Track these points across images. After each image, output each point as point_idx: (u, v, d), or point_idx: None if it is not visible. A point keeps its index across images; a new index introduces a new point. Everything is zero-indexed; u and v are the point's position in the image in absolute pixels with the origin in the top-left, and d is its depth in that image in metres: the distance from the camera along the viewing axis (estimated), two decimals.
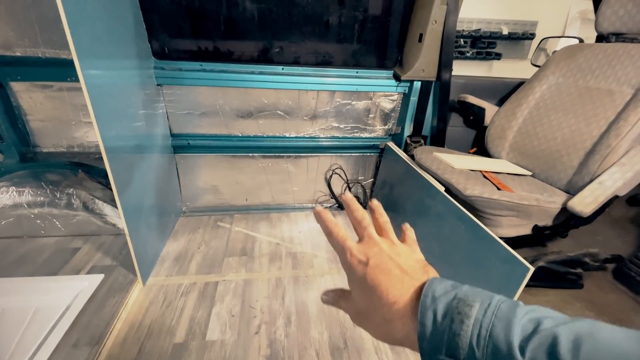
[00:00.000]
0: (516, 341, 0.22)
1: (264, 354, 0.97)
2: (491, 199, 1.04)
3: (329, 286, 1.25)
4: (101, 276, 1.17)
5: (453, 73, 1.46)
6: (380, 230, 0.38)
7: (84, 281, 1.15)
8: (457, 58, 3.33)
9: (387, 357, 0.98)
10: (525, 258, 1.19)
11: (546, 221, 1.13)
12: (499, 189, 1.09)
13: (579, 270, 1.17)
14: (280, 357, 0.97)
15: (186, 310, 1.11)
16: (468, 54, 3.33)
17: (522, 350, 0.22)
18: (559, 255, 1.16)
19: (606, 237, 1.53)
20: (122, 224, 1.07)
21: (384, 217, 0.39)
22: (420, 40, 1.37)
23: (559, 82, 1.36)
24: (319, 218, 0.37)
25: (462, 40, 3.26)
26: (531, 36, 3.32)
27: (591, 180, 1.09)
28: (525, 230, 1.14)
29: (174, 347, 0.98)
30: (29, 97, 1.39)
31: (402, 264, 0.32)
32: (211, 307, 1.13)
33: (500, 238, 1.10)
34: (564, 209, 1.09)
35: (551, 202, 1.08)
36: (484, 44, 3.28)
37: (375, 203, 0.42)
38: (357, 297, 0.33)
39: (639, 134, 1.06)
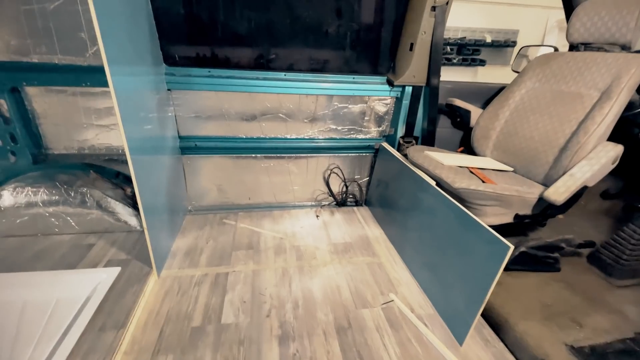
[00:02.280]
0: None
1: (276, 334, 1.06)
2: (477, 190, 1.16)
3: (332, 275, 1.35)
4: (118, 269, 1.25)
5: (441, 79, 1.59)
6: None
7: (102, 273, 1.22)
8: (444, 64, 3.50)
9: (387, 334, 1.09)
10: None
11: (526, 210, 1.26)
12: (483, 182, 1.22)
13: (556, 255, 1.31)
14: (291, 336, 1.06)
15: (201, 298, 1.19)
16: (454, 61, 3.51)
17: None
18: (538, 241, 1.29)
19: (582, 228, 1.68)
20: (142, 220, 1.15)
21: None
22: (411, 49, 1.50)
23: (535, 87, 1.50)
24: None
25: (448, 47, 3.44)
26: (513, 44, 3.54)
27: (564, 173, 1.22)
28: (508, 218, 1.27)
29: (193, 330, 1.06)
30: (43, 101, 1.45)
31: None
32: (224, 295, 1.21)
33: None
34: (542, 199, 1.22)
35: (530, 192, 1.21)
36: (469, 51, 3.47)
37: None
38: None
39: (604, 131, 1.21)
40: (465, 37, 3.42)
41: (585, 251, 1.45)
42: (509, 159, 1.52)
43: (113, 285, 1.18)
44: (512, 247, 0.88)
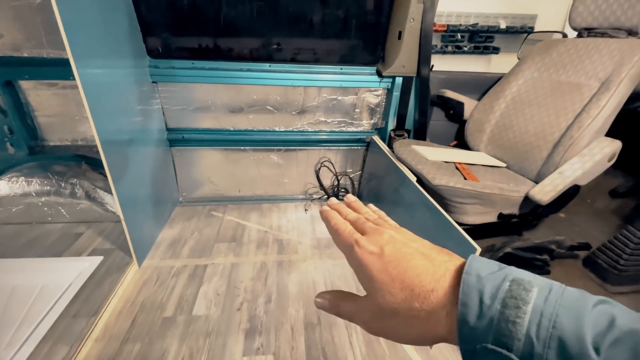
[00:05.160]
0: (589, 336, 0.19)
1: (244, 327, 1.07)
2: (455, 188, 1.11)
3: (310, 270, 1.34)
4: (100, 258, 1.29)
5: (451, 68, 1.52)
6: (375, 224, 0.33)
7: (85, 262, 1.27)
8: (454, 52, 3.35)
9: (356, 332, 1.07)
10: (493, 245, 1.26)
11: (511, 209, 1.19)
12: (465, 178, 1.16)
13: (545, 257, 1.23)
14: (258, 331, 1.06)
15: (176, 289, 1.21)
16: (466, 49, 3.34)
17: (597, 349, 0.19)
18: (525, 242, 1.22)
19: (584, 228, 1.57)
20: (117, 210, 1.17)
21: (369, 210, 0.36)
22: (399, 37, 1.43)
23: (534, 77, 1.40)
24: (323, 216, 0.35)
25: (459, 34, 3.27)
26: (530, 30, 3.32)
27: (555, 171, 1.14)
28: (491, 217, 1.21)
29: (164, 320, 1.08)
30: (37, 94, 1.50)
31: (420, 248, 0.29)
32: (199, 286, 1.23)
33: (467, 225, 1.18)
34: (529, 199, 1.14)
35: (514, 191, 1.14)
36: (481, 38, 3.29)
37: (351, 198, 0.38)
38: (377, 296, 0.28)
39: (601, 125, 1.11)
40: (477, 24, 3.24)
41: (582, 254, 1.36)
42: (503, 154, 1.44)
43: (94, 273, 1.22)
44: (479, 249, 0.83)
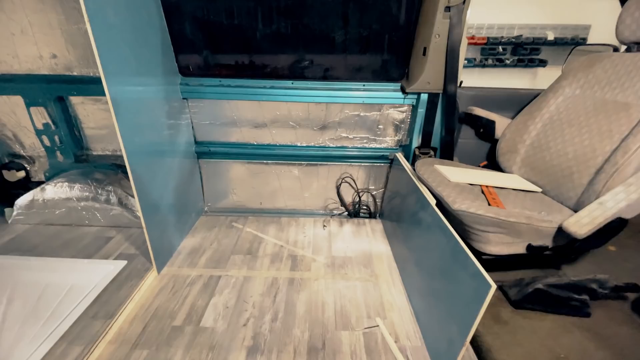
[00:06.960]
0: None
1: (247, 344, 1.06)
2: (476, 214, 1.02)
3: (321, 290, 1.30)
4: (124, 262, 1.36)
5: (492, 83, 1.43)
6: None
7: (110, 265, 1.35)
8: (494, 66, 3.18)
9: None
10: (522, 279, 1.14)
11: (542, 241, 1.07)
12: (489, 204, 1.07)
13: (584, 297, 1.09)
14: (260, 349, 1.05)
15: (189, 299, 1.24)
16: (508, 62, 3.16)
17: None
18: (560, 278, 1.09)
19: (637, 265, 1.38)
20: (140, 219, 1.24)
21: None
22: (424, 53, 1.39)
23: (575, 94, 1.28)
24: None
25: (500, 47, 3.10)
26: (582, 41, 3.06)
27: (595, 200, 1.01)
28: (519, 249, 1.09)
29: (172, 329, 1.11)
30: (84, 108, 1.66)
31: None
32: (210, 297, 1.25)
33: (491, 255, 1.08)
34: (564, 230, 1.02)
35: (545, 221, 1.03)
36: (526, 51, 3.10)
37: None
38: None
39: None
40: (521, 35, 3.06)
41: (632, 296, 1.18)
42: (538, 178, 1.31)
43: (116, 277, 1.30)
44: (494, 286, 0.75)
